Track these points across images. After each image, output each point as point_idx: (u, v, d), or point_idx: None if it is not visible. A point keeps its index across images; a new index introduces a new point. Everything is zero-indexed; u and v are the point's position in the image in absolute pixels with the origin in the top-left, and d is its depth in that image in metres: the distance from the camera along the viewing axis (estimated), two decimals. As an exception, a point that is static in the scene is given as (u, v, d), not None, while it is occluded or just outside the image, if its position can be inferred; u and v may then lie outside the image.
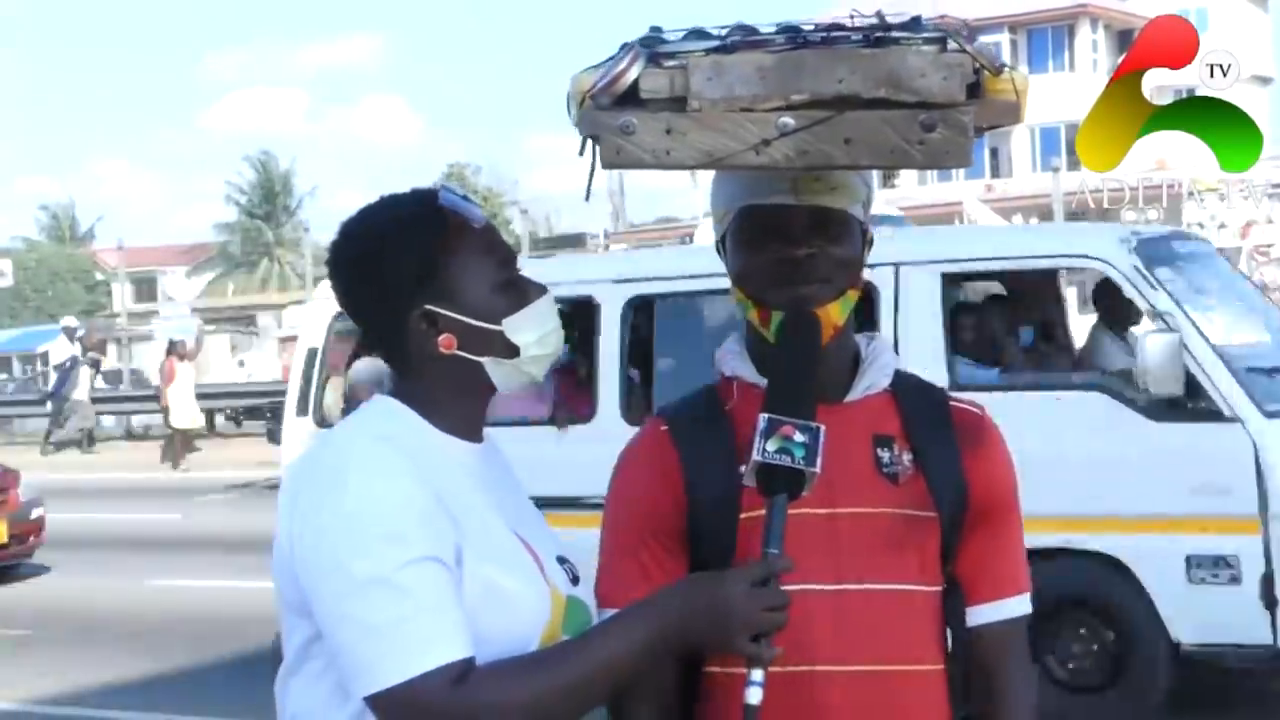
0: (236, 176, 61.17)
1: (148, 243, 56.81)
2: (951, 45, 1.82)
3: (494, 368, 1.96)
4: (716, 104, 1.82)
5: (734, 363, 2.08)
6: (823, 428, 1.84)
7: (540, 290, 1.99)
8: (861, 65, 1.81)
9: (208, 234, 62.76)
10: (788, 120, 1.81)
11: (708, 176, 2.04)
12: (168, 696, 8.08)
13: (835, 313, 1.99)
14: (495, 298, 1.95)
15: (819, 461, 1.83)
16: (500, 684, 1.78)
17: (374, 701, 1.78)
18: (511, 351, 1.96)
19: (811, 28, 1.87)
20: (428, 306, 1.93)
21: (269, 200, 60.14)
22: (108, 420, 27.34)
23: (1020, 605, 2.11)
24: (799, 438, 1.83)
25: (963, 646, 2.08)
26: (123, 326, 33.76)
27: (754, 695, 1.79)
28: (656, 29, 1.90)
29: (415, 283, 1.92)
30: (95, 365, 26.19)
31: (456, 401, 1.97)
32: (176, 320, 33.69)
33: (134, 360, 32.48)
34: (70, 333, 27.83)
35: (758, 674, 1.80)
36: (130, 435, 27.09)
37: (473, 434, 1.99)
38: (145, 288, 60.14)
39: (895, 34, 1.84)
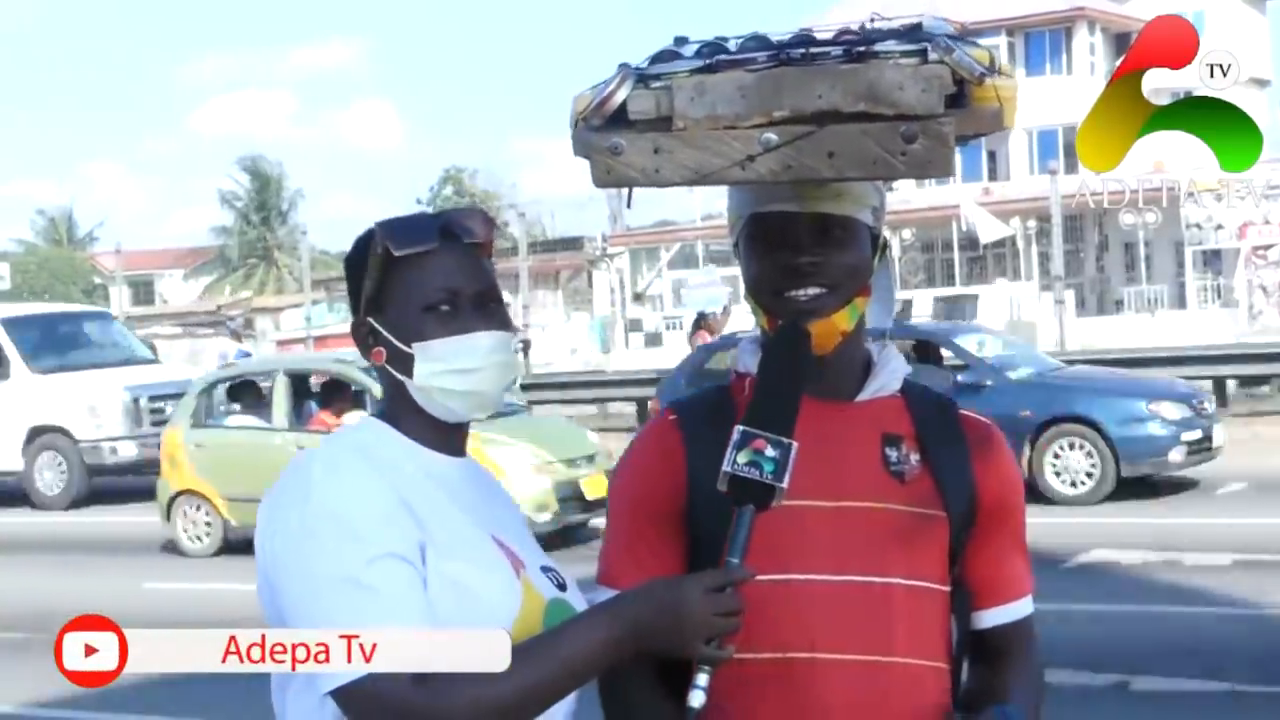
0: (230, 182, 61.24)
1: (140, 245, 56.95)
2: (932, 56, 1.84)
3: (414, 389, 1.97)
4: (700, 123, 1.87)
5: (747, 359, 2.12)
6: (795, 445, 1.87)
7: (488, 327, 1.96)
8: (840, 80, 1.84)
9: (202, 237, 62.86)
10: (771, 136, 1.85)
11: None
12: (167, 700, 8.08)
13: (842, 320, 2.03)
14: (421, 320, 1.94)
15: (787, 477, 1.85)
16: (461, 682, 1.80)
17: (337, 697, 1.81)
18: (421, 376, 1.95)
19: (801, 44, 1.90)
20: (368, 319, 1.99)
21: (264, 206, 60.17)
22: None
23: (1025, 606, 2.17)
24: (770, 452, 1.86)
25: (967, 647, 2.12)
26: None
27: (696, 699, 1.83)
28: (681, 39, 1.96)
29: (366, 296, 1.98)
30: None
31: (413, 413, 1.99)
32: (702, 290, 29.28)
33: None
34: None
35: (703, 678, 1.84)
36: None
37: (443, 446, 2.01)
38: (142, 291, 60.19)
39: (876, 48, 1.86)
